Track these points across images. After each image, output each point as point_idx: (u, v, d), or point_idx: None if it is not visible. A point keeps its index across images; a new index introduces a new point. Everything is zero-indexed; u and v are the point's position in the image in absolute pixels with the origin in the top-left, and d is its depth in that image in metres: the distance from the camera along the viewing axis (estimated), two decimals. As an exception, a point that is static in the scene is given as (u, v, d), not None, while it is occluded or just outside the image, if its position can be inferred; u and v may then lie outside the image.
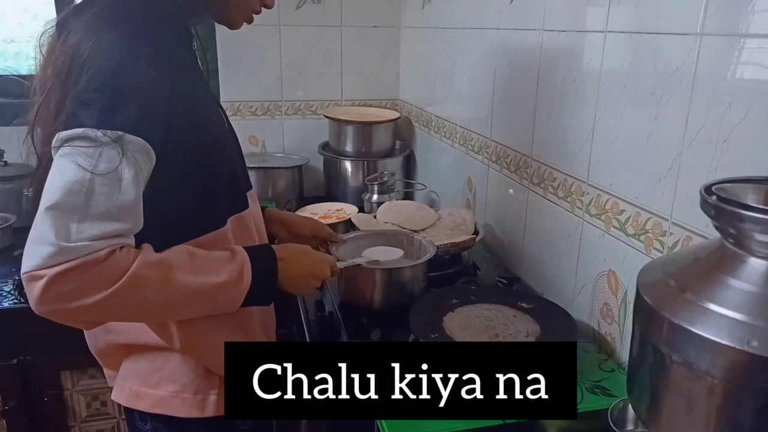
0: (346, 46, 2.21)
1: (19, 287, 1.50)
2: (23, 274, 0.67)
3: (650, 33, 0.94)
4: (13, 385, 1.51)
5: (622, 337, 1.04)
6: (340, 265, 1.05)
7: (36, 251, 0.66)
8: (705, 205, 0.54)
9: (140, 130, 0.71)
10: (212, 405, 0.89)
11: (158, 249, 0.76)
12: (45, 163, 0.75)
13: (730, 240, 0.53)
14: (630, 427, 0.85)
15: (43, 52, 0.79)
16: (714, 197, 0.53)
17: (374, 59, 2.24)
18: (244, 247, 0.86)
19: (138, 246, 0.74)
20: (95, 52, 0.71)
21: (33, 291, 0.67)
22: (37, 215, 0.68)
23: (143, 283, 0.72)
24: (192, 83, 0.83)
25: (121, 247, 0.71)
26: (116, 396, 0.93)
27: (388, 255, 1.20)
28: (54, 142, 0.70)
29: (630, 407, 0.85)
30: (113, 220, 0.69)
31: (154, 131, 0.73)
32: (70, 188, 0.67)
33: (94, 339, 0.95)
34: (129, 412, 0.93)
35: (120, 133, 0.69)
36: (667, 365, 0.53)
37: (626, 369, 0.98)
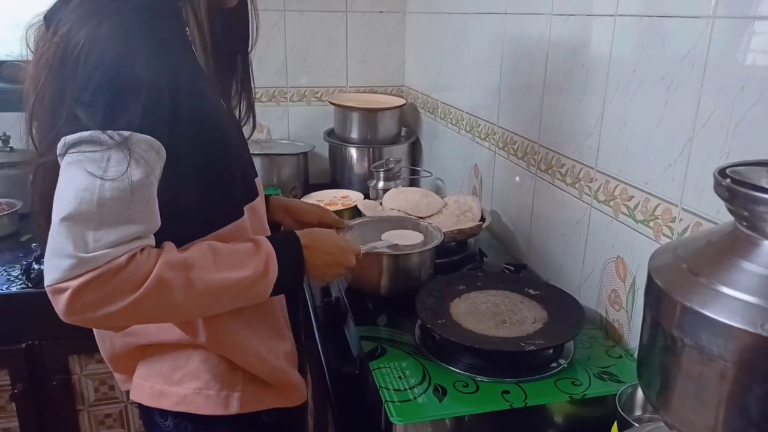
0: (352, 31, 2.19)
1: (26, 272, 1.51)
2: (47, 287, 0.66)
3: (661, 16, 0.92)
4: (21, 369, 1.52)
5: (630, 324, 1.04)
6: (363, 249, 1.03)
7: (56, 264, 0.65)
8: (719, 188, 0.53)
9: (147, 128, 0.69)
10: (236, 402, 0.88)
11: (179, 246, 0.75)
12: (47, 165, 0.73)
13: (744, 223, 0.52)
14: (638, 412, 0.85)
15: (31, 46, 0.78)
16: (728, 180, 0.52)
17: (380, 45, 2.23)
18: (268, 237, 0.84)
19: (159, 245, 0.73)
20: (90, 46, 0.69)
21: (59, 304, 0.66)
22: (52, 226, 0.66)
23: (167, 285, 0.70)
24: (192, 72, 0.81)
25: (142, 250, 0.69)
26: (136, 396, 0.91)
27: (407, 239, 1.20)
28: (60, 148, 0.68)
29: (638, 392, 0.85)
30: (129, 224, 0.68)
31: (161, 127, 0.71)
32: (82, 197, 0.66)
33: (110, 343, 0.93)
34: (147, 409, 0.91)
35: (126, 133, 0.68)
36: (678, 349, 0.53)
37: (634, 355, 0.98)
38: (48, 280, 0.66)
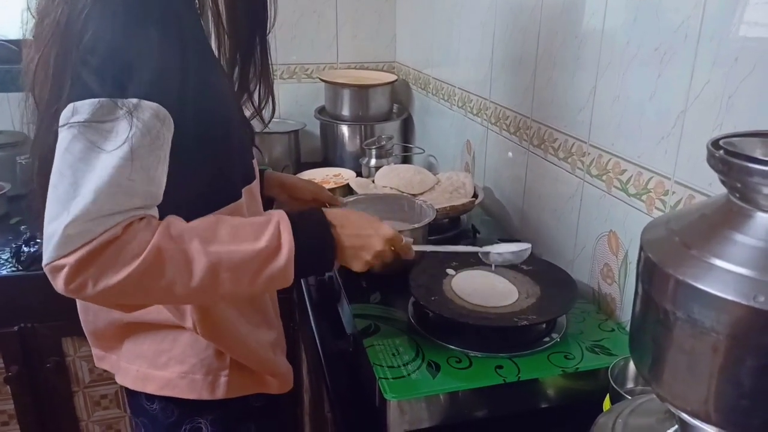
0: (342, 7, 2.16)
1: (16, 255, 1.50)
2: (45, 266, 0.64)
3: (655, -13, 0.91)
4: (15, 352, 1.52)
5: (622, 298, 1.04)
6: (414, 247, 0.91)
7: (53, 240, 0.63)
8: (712, 160, 0.52)
9: (156, 96, 0.66)
10: (223, 387, 0.86)
11: None
12: (46, 131, 0.70)
13: (737, 195, 0.52)
14: (630, 385, 0.86)
15: (33, 11, 0.76)
16: (721, 151, 0.52)
17: (370, 20, 2.19)
18: (287, 212, 0.77)
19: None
20: (100, 8, 0.66)
21: (57, 282, 0.64)
22: (48, 199, 0.64)
23: (166, 257, 0.67)
24: (200, 47, 0.78)
25: (141, 219, 0.67)
26: (121, 379, 0.90)
27: (514, 247, 1.00)
28: (66, 113, 0.65)
29: (630, 365, 0.85)
30: (128, 194, 0.65)
31: (170, 97, 0.68)
32: (82, 167, 0.63)
33: (93, 317, 0.90)
34: (133, 392, 0.90)
35: (135, 101, 0.65)
36: (671, 322, 0.53)
37: (626, 328, 0.98)
38: (46, 258, 0.64)
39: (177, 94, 0.69)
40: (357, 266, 0.82)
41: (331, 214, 0.80)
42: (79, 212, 0.63)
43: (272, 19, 0.93)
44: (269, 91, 0.96)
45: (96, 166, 0.64)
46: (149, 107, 0.66)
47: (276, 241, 0.72)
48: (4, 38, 2.04)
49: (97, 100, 0.64)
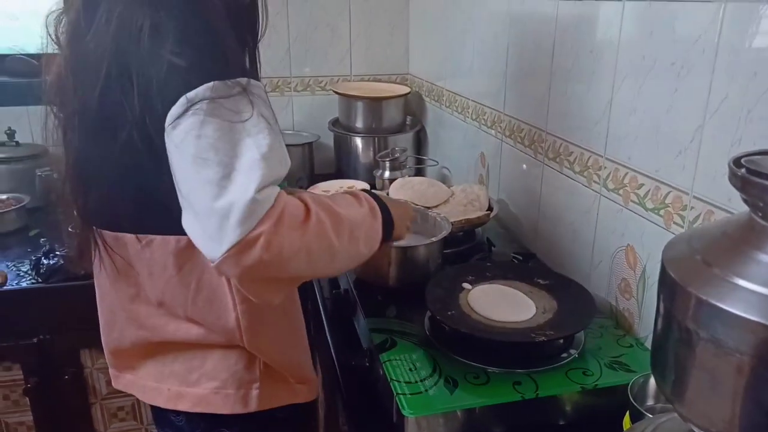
0: (355, 19, 2.17)
1: (36, 267, 1.51)
2: (231, 248, 0.62)
3: (671, 1, 0.91)
4: (34, 363, 1.54)
5: (640, 313, 1.03)
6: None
7: (232, 215, 0.62)
8: (733, 178, 0.52)
9: (252, 75, 0.70)
10: (255, 399, 0.87)
11: None
12: (105, 141, 0.72)
13: (759, 213, 0.52)
14: (650, 402, 0.85)
15: (55, 34, 0.77)
16: (743, 170, 0.52)
17: (383, 33, 2.21)
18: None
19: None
20: (167, 14, 0.67)
21: (252, 255, 0.63)
22: (194, 189, 0.64)
23: (323, 219, 0.71)
24: None
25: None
26: (152, 399, 0.90)
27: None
28: (174, 112, 0.64)
29: (650, 382, 0.85)
30: (279, 162, 0.67)
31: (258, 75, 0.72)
32: (224, 144, 0.64)
33: (119, 335, 0.90)
34: (161, 408, 0.90)
35: (245, 80, 0.67)
36: (693, 342, 0.52)
37: (645, 344, 0.98)
38: (232, 237, 0.62)
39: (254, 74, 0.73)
40: (403, 233, 0.93)
41: (377, 194, 0.90)
42: (260, 179, 0.63)
43: (263, 31, 0.95)
44: None
45: (241, 138, 0.65)
46: (256, 84, 0.69)
47: (369, 209, 0.82)
48: (22, 52, 2.07)
49: (210, 83, 0.65)
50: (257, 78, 0.94)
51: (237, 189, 0.63)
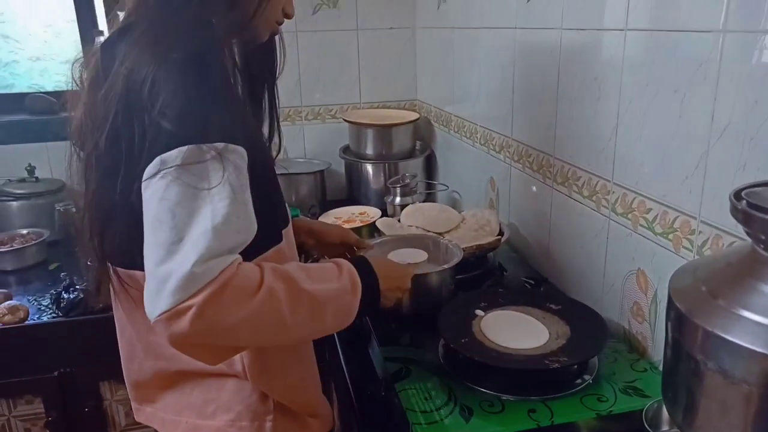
0: (363, 48, 2.22)
1: (56, 301, 1.54)
2: (162, 314, 0.63)
3: (671, 30, 0.93)
4: (54, 397, 1.56)
5: (653, 336, 1.04)
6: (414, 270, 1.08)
7: (170, 283, 0.63)
8: (735, 212, 0.54)
9: (238, 139, 0.70)
10: (269, 431, 0.88)
11: None
12: (106, 190, 0.75)
13: (761, 246, 0.53)
14: (665, 428, 0.85)
15: (79, 79, 0.81)
16: (744, 202, 0.53)
17: (391, 61, 2.25)
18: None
19: None
20: (166, 69, 0.69)
21: (180, 325, 0.63)
22: (147, 247, 0.66)
23: (277, 295, 0.70)
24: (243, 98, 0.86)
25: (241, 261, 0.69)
26: (170, 431, 0.92)
27: (412, 257, 1.24)
28: (149, 170, 0.67)
29: (664, 408, 0.85)
30: (238, 232, 0.68)
31: (241, 141, 0.72)
32: (183, 210, 0.65)
33: (138, 366, 0.92)
34: None
35: (222, 144, 0.68)
36: (701, 372, 0.53)
37: (659, 368, 0.98)
38: (163, 305, 0.63)
39: (243, 136, 0.73)
40: (391, 303, 0.93)
41: (373, 260, 0.89)
42: (204, 250, 0.64)
43: (281, 68, 0.98)
44: (277, 132, 1.02)
45: (200, 206, 0.66)
46: (234, 149, 0.70)
47: (350, 283, 0.81)
48: (42, 90, 2.14)
49: (185, 147, 0.67)
50: (264, 119, 0.99)
51: (179, 258, 0.64)
